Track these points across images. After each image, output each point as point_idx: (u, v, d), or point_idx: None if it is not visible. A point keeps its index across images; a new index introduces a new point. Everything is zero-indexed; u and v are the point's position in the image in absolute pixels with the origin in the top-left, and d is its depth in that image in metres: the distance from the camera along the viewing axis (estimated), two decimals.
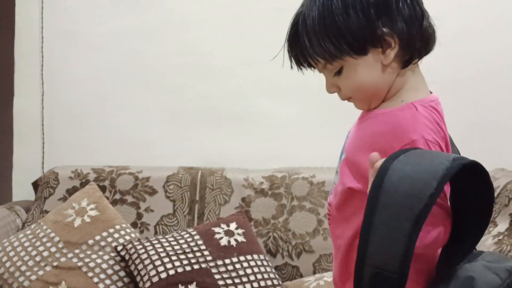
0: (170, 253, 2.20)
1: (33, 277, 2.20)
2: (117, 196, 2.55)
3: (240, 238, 2.28)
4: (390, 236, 0.99)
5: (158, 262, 2.17)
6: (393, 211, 0.99)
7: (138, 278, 2.18)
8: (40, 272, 2.21)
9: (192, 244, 2.23)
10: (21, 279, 2.20)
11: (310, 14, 1.17)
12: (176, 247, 2.22)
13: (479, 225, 1.11)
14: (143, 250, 2.21)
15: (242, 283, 2.15)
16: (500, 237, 2.01)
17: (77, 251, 2.26)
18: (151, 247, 2.22)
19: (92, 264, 2.22)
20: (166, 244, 2.23)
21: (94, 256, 2.25)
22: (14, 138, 2.81)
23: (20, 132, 2.81)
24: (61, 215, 2.36)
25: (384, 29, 1.15)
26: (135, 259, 2.20)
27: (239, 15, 2.71)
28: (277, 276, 2.24)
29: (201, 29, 2.74)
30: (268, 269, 2.23)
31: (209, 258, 2.19)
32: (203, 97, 2.74)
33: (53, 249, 2.26)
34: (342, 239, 1.23)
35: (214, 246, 2.23)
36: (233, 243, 2.25)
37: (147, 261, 2.18)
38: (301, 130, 2.68)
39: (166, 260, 2.18)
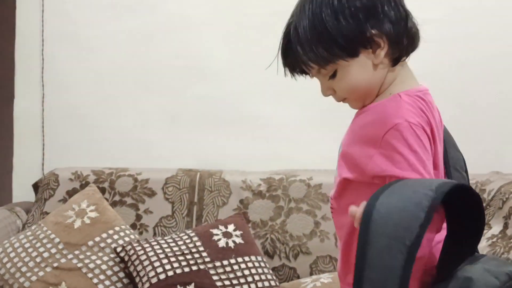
0: (169, 254, 2.22)
1: (34, 278, 2.22)
2: (117, 198, 2.58)
3: (238, 240, 2.30)
4: (384, 269, 1.02)
5: (157, 264, 2.19)
6: (385, 243, 1.03)
7: (137, 279, 2.20)
8: (41, 273, 2.23)
9: (190, 245, 2.25)
10: (21, 279, 2.22)
11: (301, 24, 1.24)
12: (175, 249, 2.24)
13: (475, 229, 1.15)
14: (142, 252, 2.23)
15: (240, 284, 2.18)
16: (494, 240, 2.04)
17: (77, 252, 2.28)
18: (150, 249, 2.24)
19: (92, 265, 2.25)
20: (165, 245, 2.26)
21: (94, 257, 2.27)
22: (14, 139, 2.82)
23: (21, 133, 2.83)
24: (61, 216, 2.38)
25: (373, 31, 1.22)
26: (134, 260, 2.23)
27: (238, 19, 2.73)
28: (274, 278, 2.27)
29: (201, 32, 2.76)
30: (266, 270, 2.26)
31: (207, 259, 2.22)
32: (202, 99, 2.76)
33: (53, 250, 2.28)
34: (343, 229, 1.28)
35: (212, 247, 2.25)
36: (231, 244, 2.28)
37: (146, 262, 2.20)
38: (299, 132, 2.70)
39: (165, 261, 2.20)
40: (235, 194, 2.54)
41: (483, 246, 2.03)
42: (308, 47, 1.23)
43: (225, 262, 2.22)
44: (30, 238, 2.33)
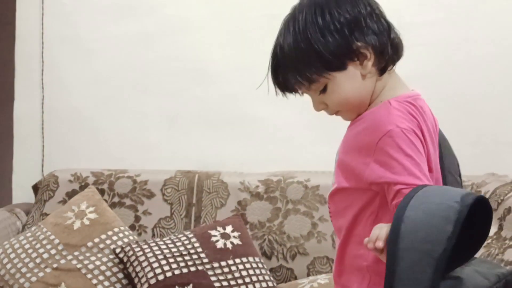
0: (168, 255, 2.24)
1: (33, 279, 2.24)
2: (116, 199, 2.60)
3: (236, 241, 2.32)
4: (415, 279, 1.06)
5: (155, 264, 2.21)
6: (414, 257, 1.06)
7: (136, 280, 2.22)
8: (40, 274, 2.25)
9: (189, 246, 2.27)
10: (21, 280, 2.24)
11: (286, 43, 1.28)
12: (173, 250, 2.26)
13: (480, 234, 1.17)
14: (141, 253, 2.25)
15: (238, 285, 2.20)
16: (489, 241, 2.06)
17: (76, 253, 2.30)
18: (148, 250, 2.26)
19: (91, 266, 2.27)
20: (164, 246, 2.28)
21: (93, 258, 2.29)
22: (14, 141, 2.84)
23: (21, 135, 2.84)
24: (61, 217, 2.40)
25: (359, 43, 1.26)
26: (133, 261, 2.24)
27: (236, 21, 2.75)
28: (271, 278, 2.29)
29: (199, 35, 2.78)
30: (263, 271, 2.28)
31: (205, 260, 2.24)
32: (201, 101, 2.78)
33: (53, 251, 2.30)
34: (341, 232, 1.32)
35: (210, 248, 2.27)
36: (229, 245, 2.29)
37: (145, 263, 2.22)
38: (297, 134, 2.72)
39: (163, 262, 2.22)
40: (233, 196, 2.56)
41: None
42: (297, 66, 1.27)
43: (223, 263, 2.24)
44: (30, 239, 2.34)
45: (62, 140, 2.82)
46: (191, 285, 2.17)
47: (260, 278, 2.24)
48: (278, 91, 1.35)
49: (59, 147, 2.82)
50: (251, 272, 2.24)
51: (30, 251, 2.30)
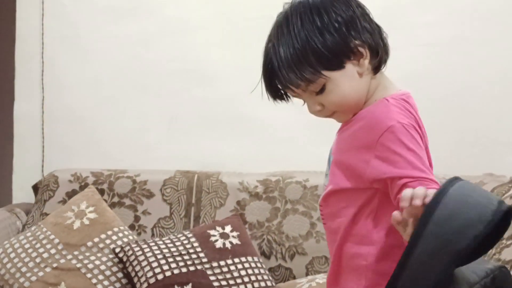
0: (167, 255, 2.25)
1: (33, 278, 2.25)
2: (115, 199, 2.61)
3: (235, 241, 2.33)
4: (429, 266, 1.06)
5: (155, 264, 2.22)
6: (437, 243, 1.05)
7: (135, 279, 2.23)
8: (40, 273, 2.26)
9: (188, 246, 2.28)
10: (21, 280, 2.25)
11: (283, 47, 1.26)
12: (173, 249, 2.27)
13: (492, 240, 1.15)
14: (140, 252, 2.26)
15: (237, 284, 2.21)
16: None
17: (76, 252, 2.31)
18: (148, 249, 2.27)
19: (91, 266, 2.28)
20: (163, 246, 2.29)
21: (92, 257, 2.30)
22: (14, 141, 2.85)
23: (21, 135, 2.85)
24: (61, 217, 2.41)
25: (356, 41, 1.26)
26: (133, 260, 2.25)
27: (235, 22, 2.76)
28: (270, 278, 2.30)
29: (198, 35, 2.79)
30: (262, 271, 2.29)
31: (204, 260, 2.25)
32: (200, 102, 2.79)
33: (52, 251, 2.31)
34: (338, 234, 1.30)
35: (209, 248, 2.28)
36: (228, 245, 2.31)
37: (144, 263, 2.23)
38: (295, 134, 2.73)
39: (162, 261, 2.23)
40: (232, 196, 2.57)
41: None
42: (295, 68, 1.25)
43: (222, 263, 2.25)
44: (30, 238, 2.35)
45: (62, 140, 2.83)
46: (190, 284, 2.18)
47: (259, 277, 2.26)
48: (270, 97, 1.34)
49: (59, 147, 2.83)
50: (250, 271, 2.25)
51: (30, 250, 2.31)
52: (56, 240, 2.33)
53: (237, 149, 2.76)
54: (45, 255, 2.30)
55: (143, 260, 2.24)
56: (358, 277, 1.28)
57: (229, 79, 2.76)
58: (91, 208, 2.43)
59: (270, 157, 2.72)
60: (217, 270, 2.23)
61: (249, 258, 2.29)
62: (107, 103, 2.82)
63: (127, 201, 2.60)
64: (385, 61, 1.32)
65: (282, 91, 1.33)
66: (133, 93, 2.82)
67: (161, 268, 2.21)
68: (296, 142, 2.73)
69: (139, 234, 2.56)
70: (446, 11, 2.67)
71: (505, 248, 1.97)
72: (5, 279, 2.27)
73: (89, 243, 2.33)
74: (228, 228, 2.37)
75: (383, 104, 1.26)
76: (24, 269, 2.27)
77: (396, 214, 1.10)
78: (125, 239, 2.36)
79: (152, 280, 2.19)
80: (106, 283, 2.25)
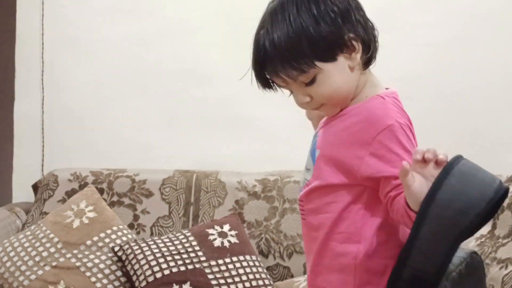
0: (165, 253, 2.26)
1: (33, 277, 2.26)
2: (115, 198, 2.62)
3: (233, 240, 2.34)
4: (435, 245, 1.09)
5: (153, 262, 2.24)
6: (442, 224, 1.08)
7: (134, 278, 2.24)
8: (40, 272, 2.27)
9: (186, 245, 2.30)
10: (21, 278, 2.26)
11: (277, 33, 1.23)
12: (171, 248, 2.28)
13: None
14: (139, 251, 2.27)
15: (235, 282, 2.22)
16: (483, 240, 2.08)
17: (75, 251, 2.32)
18: (147, 248, 2.28)
19: (90, 264, 2.29)
20: (162, 245, 2.30)
21: (92, 256, 2.31)
22: (14, 141, 2.86)
23: (21, 135, 2.86)
24: (60, 216, 2.42)
25: (350, 34, 1.25)
26: (132, 259, 2.27)
27: (234, 22, 2.77)
28: (268, 276, 2.31)
29: (197, 36, 2.80)
30: (260, 269, 2.30)
31: (202, 258, 2.26)
32: (199, 101, 2.80)
33: (52, 250, 2.32)
34: (321, 230, 1.28)
35: (207, 247, 2.29)
36: (226, 244, 2.32)
37: (143, 261, 2.24)
38: (293, 134, 2.73)
39: (161, 260, 2.24)
40: (230, 195, 2.59)
41: (471, 246, 2.07)
42: (288, 56, 1.23)
43: (220, 261, 2.26)
44: (30, 237, 2.37)
45: (61, 140, 2.84)
46: (188, 283, 2.19)
47: (257, 276, 2.27)
48: (259, 85, 1.31)
49: (59, 147, 2.84)
50: (248, 270, 2.26)
51: (29, 249, 2.32)
52: (56, 239, 2.34)
53: (235, 149, 2.77)
54: (45, 253, 2.31)
55: (142, 259, 2.25)
56: (346, 276, 1.25)
57: (228, 79, 2.76)
58: (90, 207, 2.44)
59: (269, 157, 2.73)
60: (215, 269, 2.24)
61: (247, 257, 2.31)
62: (107, 103, 2.83)
63: (126, 200, 2.62)
64: (375, 57, 1.31)
65: (271, 80, 1.30)
66: (132, 93, 2.83)
67: (160, 267, 2.22)
68: (294, 141, 2.73)
69: (138, 233, 2.58)
70: (445, 11, 2.68)
71: (501, 246, 1.98)
72: (4, 278, 2.28)
73: (89, 242, 2.34)
74: (226, 227, 2.38)
75: (380, 102, 1.25)
76: (23, 268, 2.28)
77: (405, 163, 1.11)
78: (124, 238, 2.37)
79: (150, 279, 2.20)
80: (105, 281, 2.26)
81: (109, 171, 2.67)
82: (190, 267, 2.23)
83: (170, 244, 2.30)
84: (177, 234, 2.36)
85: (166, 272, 2.21)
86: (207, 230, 2.36)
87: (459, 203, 1.07)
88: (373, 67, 1.32)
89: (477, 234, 2.12)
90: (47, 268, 2.28)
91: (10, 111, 2.85)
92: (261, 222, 2.54)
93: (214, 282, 2.20)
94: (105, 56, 2.82)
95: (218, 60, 2.78)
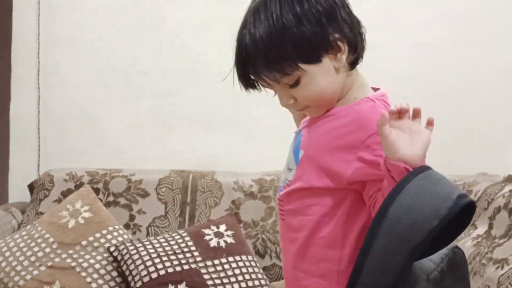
0: (161, 253, 2.26)
1: (28, 277, 2.26)
2: (111, 198, 2.62)
3: (229, 240, 2.34)
4: (387, 261, 1.06)
5: (149, 263, 2.23)
6: (393, 240, 1.06)
7: (129, 278, 2.24)
8: (35, 272, 2.27)
9: (182, 245, 2.29)
10: (16, 278, 2.26)
11: (259, 33, 1.19)
12: (167, 248, 2.28)
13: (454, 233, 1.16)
14: (135, 251, 2.27)
15: (231, 283, 2.21)
16: (479, 240, 2.08)
17: (71, 251, 2.32)
18: (142, 248, 2.28)
19: (85, 264, 2.28)
20: (157, 245, 2.29)
21: (87, 256, 2.31)
22: (10, 141, 2.86)
23: (17, 135, 2.86)
24: (56, 216, 2.42)
25: (336, 35, 1.20)
26: (127, 259, 2.26)
27: (231, 22, 2.75)
28: (264, 277, 2.31)
29: (193, 35, 2.80)
30: (256, 269, 2.30)
31: (198, 258, 2.25)
32: (195, 101, 2.80)
33: (47, 250, 2.32)
34: (300, 232, 1.25)
35: (203, 247, 2.29)
36: (222, 244, 2.31)
37: (138, 262, 2.24)
38: (290, 134, 2.73)
39: (157, 260, 2.24)
40: (227, 195, 2.59)
41: (468, 246, 2.07)
42: (271, 57, 1.19)
43: (216, 262, 2.26)
44: (25, 237, 2.36)
45: (57, 140, 2.84)
46: (184, 283, 2.18)
47: (253, 276, 2.26)
48: (241, 86, 1.28)
49: (55, 147, 2.84)
50: (244, 270, 2.26)
51: (25, 249, 2.32)
52: (51, 239, 2.34)
53: (232, 149, 2.77)
54: (40, 254, 2.30)
55: (138, 259, 2.24)
56: (328, 282, 1.23)
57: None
58: (86, 207, 2.44)
59: (265, 157, 2.73)
60: (211, 269, 2.23)
61: (244, 257, 2.30)
62: (103, 103, 2.83)
63: (122, 201, 2.61)
64: (362, 57, 1.27)
65: (255, 80, 1.26)
66: (128, 93, 2.83)
67: (155, 267, 2.22)
68: (291, 142, 2.74)
69: (134, 233, 2.57)
70: (441, 11, 2.69)
71: (497, 247, 1.98)
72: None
73: (84, 242, 2.34)
74: (222, 227, 2.38)
75: (370, 105, 1.22)
76: (19, 268, 2.27)
77: (384, 112, 1.11)
78: (120, 238, 2.37)
79: (146, 279, 2.20)
80: (100, 281, 2.26)
81: (105, 171, 2.67)
82: (186, 267, 2.23)
83: (166, 244, 2.30)
84: (173, 234, 2.36)
85: (162, 272, 2.21)
86: (203, 230, 2.36)
87: (411, 219, 1.05)
88: (360, 67, 1.29)
89: (474, 234, 2.12)
90: (42, 268, 2.28)
91: (6, 111, 2.85)
92: (257, 222, 2.54)
93: (210, 282, 2.20)
94: (101, 56, 2.82)
95: (214, 60, 2.77)
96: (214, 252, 2.28)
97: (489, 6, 2.67)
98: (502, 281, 1.82)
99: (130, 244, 2.30)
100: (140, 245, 2.29)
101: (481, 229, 2.11)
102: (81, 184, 2.61)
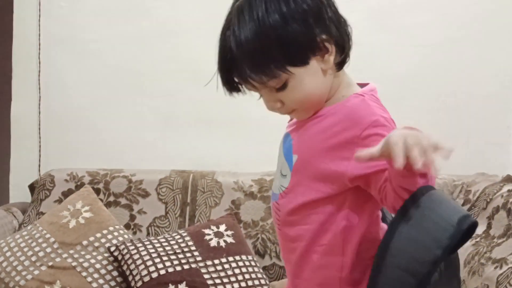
0: (161, 253, 2.26)
1: (29, 277, 2.27)
2: (111, 199, 2.62)
3: (229, 239, 2.35)
4: None
5: (149, 262, 2.24)
6: (397, 274, 1.03)
7: (130, 278, 2.24)
8: (36, 272, 2.27)
9: (182, 245, 2.30)
10: (17, 278, 2.27)
11: (243, 34, 1.14)
12: (167, 248, 2.29)
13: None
14: (135, 251, 2.28)
15: (231, 282, 2.22)
16: (478, 239, 2.08)
17: (71, 251, 2.32)
18: (143, 248, 2.28)
19: (86, 264, 2.29)
20: (158, 245, 2.30)
21: (88, 256, 2.31)
22: (11, 141, 2.87)
23: (17, 135, 2.87)
24: (57, 216, 2.42)
25: (323, 36, 1.17)
26: (128, 259, 2.27)
27: None
28: (264, 276, 2.32)
29: (194, 36, 2.80)
30: (256, 269, 2.30)
31: (198, 258, 2.26)
32: (195, 102, 2.81)
33: (48, 250, 2.32)
34: (300, 241, 1.22)
35: (204, 247, 2.30)
36: (222, 244, 2.32)
37: (139, 261, 2.25)
38: None
39: (157, 260, 2.24)
40: (227, 195, 2.59)
41: (467, 245, 2.08)
42: (256, 60, 1.15)
43: (216, 261, 2.26)
44: (26, 237, 2.37)
45: (58, 140, 2.84)
46: (184, 282, 2.19)
47: (253, 276, 2.27)
48: (225, 91, 1.23)
49: (56, 147, 2.85)
50: (244, 270, 2.27)
51: (26, 249, 2.32)
52: (52, 239, 2.35)
53: (232, 149, 2.77)
54: (41, 253, 2.31)
55: (138, 259, 2.25)
56: None
57: None
58: (86, 208, 2.44)
59: (265, 157, 2.72)
60: (211, 269, 2.24)
61: (243, 257, 2.31)
62: (103, 103, 2.83)
63: (123, 201, 2.62)
64: (349, 57, 1.23)
65: (239, 84, 1.21)
66: (129, 93, 2.83)
67: (156, 267, 2.22)
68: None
69: (134, 233, 2.58)
70: (439, 12, 2.69)
71: (496, 246, 1.99)
72: (0, 278, 2.28)
73: (85, 242, 2.34)
74: (222, 227, 2.38)
75: (360, 100, 1.19)
76: (19, 268, 2.28)
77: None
78: (121, 238, 2.38)
79: (146, 279, 2.20)
80: (101, 281, 2.27)
81: (105, 171, 2.68)
82: (186, 267, 2.23)
83: (166, 244, 2.30)
84: (173, 234, 2.36)
85: (162, 272, 2.21)
86: (203, 230, 2.36)
87: (414, 250, 1.02)
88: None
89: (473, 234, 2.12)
90: (43, 268, 2.28)
91: (7, 111, 2.86)
92: (257, 222, 2.55)
93: (210, 282, 2.20)
94: (101, 57, 2.83)
95: (214, 60, 2.77)
96: (214, 252, 2.28)
97: (488, 7, 2.68)
98: (501, 281, 1.83)
99: (130, 244, 2.31)
100: (140, 245, 2.30)
101: (480, 228, 2.12)
102: (82, 184, 2.61)
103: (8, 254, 2.32)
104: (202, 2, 2.81)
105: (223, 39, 1.20)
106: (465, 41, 2.67)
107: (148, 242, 2.31)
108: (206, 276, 2.22)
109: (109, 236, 2.37)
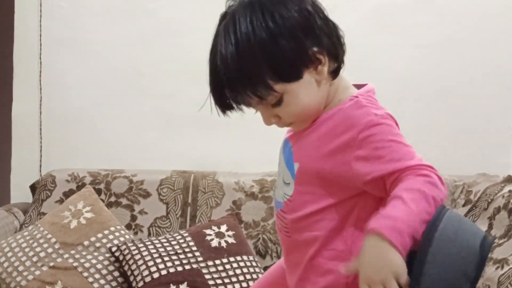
0: (163, 254, 2.27)
1: (30, 277, 2.27)
2: (112, 199, 2.63)
3: (230, 240, 2.35)
4: None
5: (151, 263, 2.24)
6: None
7: (131, 278, 2.25)
8: (37, 272, 2.28)
9: (184, 245, 2.30)
10: (18, 278, 2.27)
11: (230, 55, 1.13)
12: (169, 248, 2.29)
13: None
14: (136, 251, 2.28)
15: (232, 283, 2.22)
16: None
17: (73, 251, 2.33)
18: (144, 248, 2.29)
19: (87, 265, 2.29)
20: (159, 245, 2.31)
21: (89, 256, 2.32)
22: (12, 141, 2.87)
23: (19, 136, 2.87)
24: (58, 217, 2.43)
25: (314, 48, 1.15)
26: (129, 259, 2.27)
27: None
28: None
29: (195, 36, 2.78)
30: (257, 269, 2.31)
31: (200, 259, 2.27)
32: (196, 102, 2.78)
33: (49, 250, 2.33)
34: (309, 247, 1.22)
35: (205, 247, 2.30)
36: (223, 244, 2.32)
37: (140, 262, 2.25)
38: None
39: (158, 260, 2.25)
40: (228, 195, 2.59)
41: None
42: (247, 80, 1.13)
43: (218, 262, 2.27)
44: (27, 238, 2.37)
45: (59, 141, 2.84)
46: (185, 283, 2.20)
47: (254, 276, 2.27)
48: (219, 111, 1.22)
49: (57, 148, 2.85)
50: (245, 270, 2.27)
51: (27, 249, 2.33)
52: (53, 239, 2.35)
53: (233, 149, 2.77)
54: (42, 254, 2.32)
55: (139, 259, 2.25)
56: None
57: None
58: (88, 208, 2.45)
59: (266, 157, 2.72)
60: (213, 269, 2.24)
61: (245, 257, 2.31)
62: (105, 103, 2.83)
63: (124, 201, 2.62)
64: (343, 63, 1.21)
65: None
66: (130, 94, 2.83)
67: (157, 267, 2.23)
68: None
69: (135, 233, 2.58)
70: (439, 12, 2.69)
71: (497, 247, 1.99)
72: (2, 278, 2.28)
73: (86, 242, 2.35)
74: (223, 228, 2.39)
75: (353, 103, 1.18)
76: (21, 268, 2.29)
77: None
78: (122, 238, 2.38)
79: (148, 279, 2.21)
80: (102, 281, 2.27)
81: (106, 171, 2.68)
82: (187, 267, 2.24)
83: (167, 244, 2.31)
84: (175, 235, 2.37)
85: (163, 272, 2.22)
86: (204, 230, 2.37)
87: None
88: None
89: None
90: (44, 268, 2.29)
91: (8, 112, 2.86)
92: (258, 223, 2.55)
93: (211, 282, 2.21)
94: (102, 57, 2.83)
95: None
96: (215, 252, 2.29)
97: (488, 7, 2.68)
98: (502, 281, 1.83)
99: (131, 244, 2.31)
100: (141, 245, 2.30)
101: (481, 229, 2.12)
102: (83, 185, 2.62)
103: (10, 254, 2.32)
104: (203, 3, 2.81)
105: (212, 61, 1.19)
106: (465, 41, 2.67)
107: (149, 242, 2.31)
108: (207, 276, 2.22)
109: (111, 237, 2.38)
